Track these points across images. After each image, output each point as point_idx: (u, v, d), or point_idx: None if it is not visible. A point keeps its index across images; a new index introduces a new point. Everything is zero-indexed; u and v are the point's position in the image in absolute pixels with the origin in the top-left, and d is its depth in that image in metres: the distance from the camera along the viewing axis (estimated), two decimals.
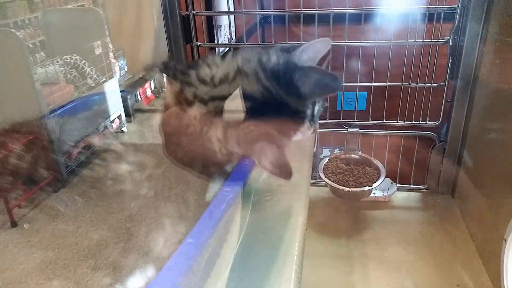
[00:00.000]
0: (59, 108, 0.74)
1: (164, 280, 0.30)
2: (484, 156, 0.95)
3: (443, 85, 1.03)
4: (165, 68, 0.48)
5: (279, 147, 0.45)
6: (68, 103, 0.76)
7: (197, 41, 1.11)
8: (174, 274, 0.29)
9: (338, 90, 0.54)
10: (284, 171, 0.45)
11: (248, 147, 0.44)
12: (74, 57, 2.15)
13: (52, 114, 0.73)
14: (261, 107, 0.45)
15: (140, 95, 2.65)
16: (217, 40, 1.21)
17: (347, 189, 1.02)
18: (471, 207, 1.01)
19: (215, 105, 0.46)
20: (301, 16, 1.03)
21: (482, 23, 0.92)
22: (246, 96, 0.45)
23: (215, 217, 0.36)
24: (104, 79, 2.19)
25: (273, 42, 1.07)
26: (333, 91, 0.52)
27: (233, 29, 1.38)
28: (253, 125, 0.45)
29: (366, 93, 1.21)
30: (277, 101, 0.45)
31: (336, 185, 1.03)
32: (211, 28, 1.28)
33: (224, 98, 0.45)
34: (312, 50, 0.53)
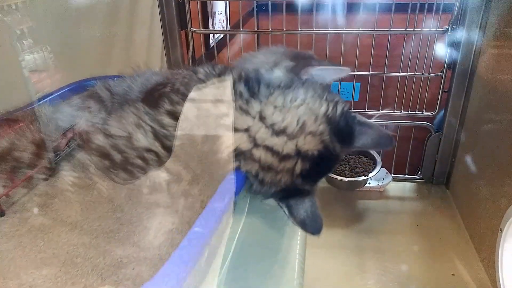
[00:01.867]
0: (49, 94, 0.71)
1: (168, 274, 0.29)
2: (480, 147, 0.96)
3: (440, 75, 1.03)
4: None
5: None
6: (60, 88, 0.73)
7: (192, 27, 1.09)
8: (179, 267, 0.28)
9: (390, 147, 0.55)
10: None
11: None
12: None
13: (44, 100, 0.70)
14: (317, 165, 0.46)
15: None
16: (213, 26, 1.19)
17: (343, 178, 1.02)
18: (466, 198, 1.02)
19: None
20: (299, 4, 1.01)
21: (482, 13, 0.92)
22: (303, 156, 0.45)
23: (219, 209, 0.35)
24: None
25: (270, 29, 1.06)
26: (386, 148, 0.56)
27: (227, 15, 1.35)
28: None
29: (359, 83, 1.21)
30: (331, 155, 0.47)
31: (332, 174, 1.03)
32: (206, 14, 1.26)
33: None
34: (326, 74, 0.53)
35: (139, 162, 0.41)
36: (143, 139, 0.43)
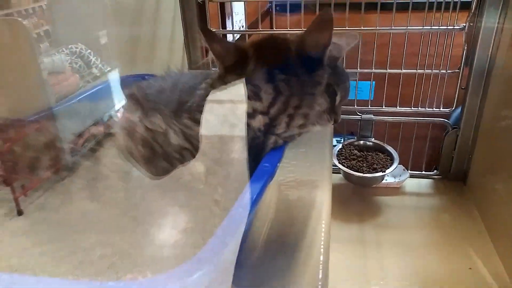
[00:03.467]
0: (84, 92, 0.75)
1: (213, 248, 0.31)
2: (497, 143, 0.96)
3: (457, 72, 1.04)
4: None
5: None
6: (91, 88, 0.77)
7: (211, 27, 1.12)
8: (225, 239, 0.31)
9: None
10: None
11: None
12: (80, 46, 2.15)
13: (78, 98, 0.74)
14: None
15: None
16: (232, 27, 1.22)
17: (361, 174, 1.04)
18: (484, 194, 1.02)
19: None
20: (317, 4, 1.03)
21: (500, 9, 0.93)
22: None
23: (257, 192, 0.37)
24: (109, 68, 2.20)
25: (288, 29, 1.08)
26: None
27: (244, 17, 1.38)
28: None
29: (374, 82, 1.22)
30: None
31: (350, 170, 1.05)
32: (223, 15, 1.29)
33: None
34: (337, 44, 0.54)
35: (177, 156, 0.45)
36: (176, 138, 0.46)
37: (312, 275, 0.44)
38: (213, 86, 0.49)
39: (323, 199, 0.57)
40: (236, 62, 0.48)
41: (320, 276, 0.43)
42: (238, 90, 0.48)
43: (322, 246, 0.47)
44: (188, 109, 0.49)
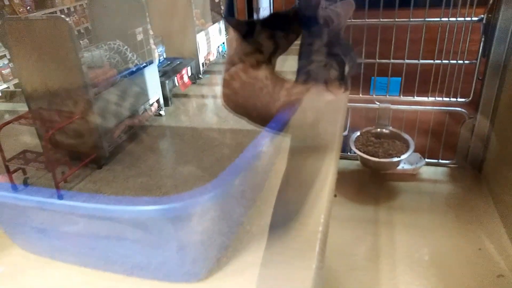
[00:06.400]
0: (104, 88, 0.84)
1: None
2: None
3: (474, 62, 1.07)
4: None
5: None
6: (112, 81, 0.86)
7: None
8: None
9: None
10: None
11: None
12: (117, 43, 2.30)
13: (96, 95, 0.83)
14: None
15: (177, 81, 2.77)
16: None
17: (376, 159, 1.09)
18: (498, 181, 1.05)
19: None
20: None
21: None
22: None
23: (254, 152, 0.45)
24: (144, 64, 2.34)
25: None
26: None
27: (271, 11, 1.45)
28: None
29: (400, 78, 1.25)
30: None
31: (366, 155, 1.10)
32: (251, 10, 1.37)
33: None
34: (335, 10, 0.61)
35: None
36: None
37: (315, 223, 0.51)
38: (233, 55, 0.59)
39: (330, 164, 0.63)
40: (248, 30, 0.58)
41: (322, 220, 0.50)
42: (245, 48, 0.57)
43: (326, 200, 0.53)
44: None
